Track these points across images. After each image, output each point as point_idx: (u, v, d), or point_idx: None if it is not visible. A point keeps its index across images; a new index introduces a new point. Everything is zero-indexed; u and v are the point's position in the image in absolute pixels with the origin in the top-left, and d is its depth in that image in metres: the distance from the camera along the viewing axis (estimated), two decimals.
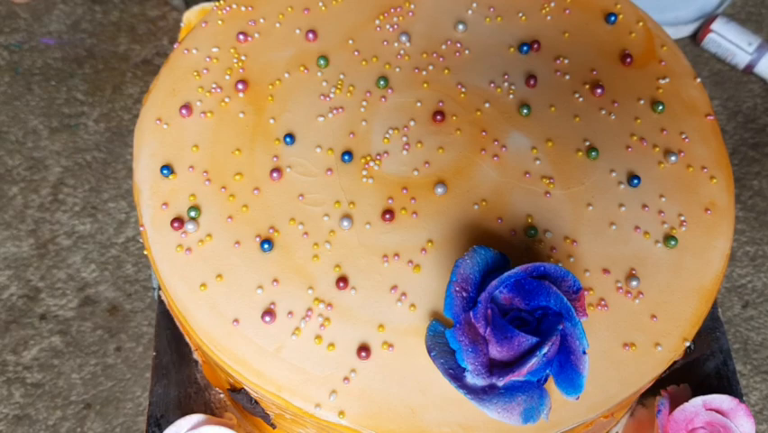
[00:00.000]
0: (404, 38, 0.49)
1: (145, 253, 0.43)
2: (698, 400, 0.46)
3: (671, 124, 0.47)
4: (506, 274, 0.37)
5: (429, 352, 0.38)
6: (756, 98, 1.10)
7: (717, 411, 0.46)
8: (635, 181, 0.44)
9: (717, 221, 0.44)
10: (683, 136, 0.46)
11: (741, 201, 1.02)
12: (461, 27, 0.49)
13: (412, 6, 0.50)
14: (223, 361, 0.40)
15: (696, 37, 1.14)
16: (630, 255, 0.43)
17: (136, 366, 0.88)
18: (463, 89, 0.47)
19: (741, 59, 1.10)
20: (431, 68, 0.48)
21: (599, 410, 0.39)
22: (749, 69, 1.11)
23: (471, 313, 0.37)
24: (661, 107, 0.47)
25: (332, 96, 0.47)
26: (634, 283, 0.42)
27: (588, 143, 0.46)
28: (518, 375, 0.36)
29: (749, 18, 1.17)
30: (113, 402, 0.86)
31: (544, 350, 0.35)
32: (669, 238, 0.43)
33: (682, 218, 0.44)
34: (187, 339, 0.50)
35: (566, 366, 0.37)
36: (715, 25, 1.11)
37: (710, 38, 1.11)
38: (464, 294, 0.38)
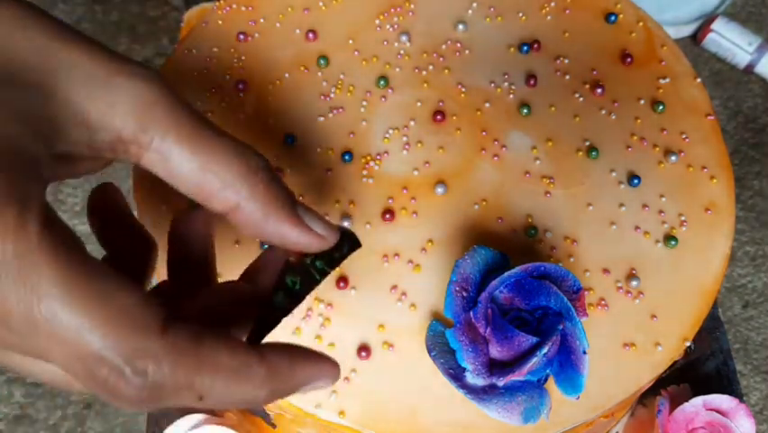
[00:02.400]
0: (404, 38, 0.49)
1: None
2: (698, 400, 0.47)
3: (671, 124, 0.47)
4: (506, 274, 0.37)
5: (429, 352, 0.38)
6: (757, 98, 1.10)
7: (718, 411, 0.46)
8: (636, 181, 0.44)
9: (718, 221, 0.44)
10: (683, 136, 0.46)
11: (741, 201, 1.02)
12: (461, 27, 0.49)
13: (412, 6, 0.50)
14: None
15: (696, 37, 1.14)
16: (630, 255, 0.43)
17: None
18: (463, 89, 0.47)
19: (741, 58, 1.10)
20: (431, 67, 0.48)
21: (599, 410, 0.39)
22: (749, 69, 1.11)
23: (471, 313, 0.37)
24: (661, 107, 0.47)
25: (332, 95, 0.47)
26: (634, 283, 0.42)
27: (588, 143, 0.46)
28: (518, 375, 0.36)
29: (749, 18, 1.17)
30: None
31: (544, 350, 0.35)
32: (669, 238, 0.43)
33: (682, 218, 0.44)
34: None
35: (566, 366, 0.37)
36: (715, 25, 1.11)
37: (710, 38, 1.11)
38: (464, 294, 0.38)
